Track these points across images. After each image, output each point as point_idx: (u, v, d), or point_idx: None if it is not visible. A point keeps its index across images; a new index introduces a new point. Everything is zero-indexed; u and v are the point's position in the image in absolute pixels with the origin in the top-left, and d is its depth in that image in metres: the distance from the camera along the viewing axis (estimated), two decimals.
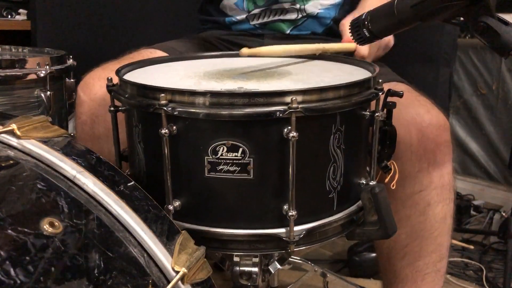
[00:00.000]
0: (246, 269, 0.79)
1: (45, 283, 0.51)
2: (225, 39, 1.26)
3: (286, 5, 1.20)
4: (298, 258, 1.46)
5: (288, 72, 0.88)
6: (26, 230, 0.54)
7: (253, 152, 0.68)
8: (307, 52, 0.99)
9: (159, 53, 1.13)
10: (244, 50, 0.93)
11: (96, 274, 0.55)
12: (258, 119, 0.67)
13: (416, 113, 0.97)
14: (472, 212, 2.21)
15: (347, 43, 1.04)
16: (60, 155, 0.66)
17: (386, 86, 0.79)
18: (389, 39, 1.11)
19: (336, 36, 1.28)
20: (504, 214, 2.07)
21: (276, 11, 1.21)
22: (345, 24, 1.10)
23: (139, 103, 0.72)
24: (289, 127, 0.66)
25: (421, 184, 1.00)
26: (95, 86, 1.02)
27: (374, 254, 1.60)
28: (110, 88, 0.79)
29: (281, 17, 1.21)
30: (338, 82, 0.75)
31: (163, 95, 0.67)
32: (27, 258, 0.51)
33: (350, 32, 0.88)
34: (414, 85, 1.07)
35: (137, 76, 0.85)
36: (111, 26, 1.90)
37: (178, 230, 0.66)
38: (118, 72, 0.81)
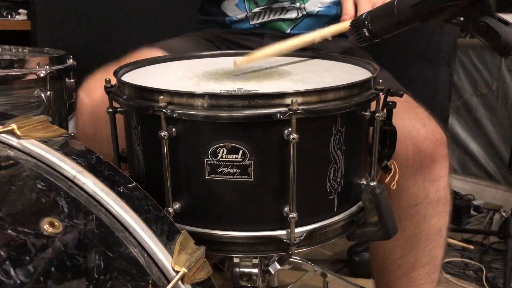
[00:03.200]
0: (246, 270, 0.79)
1: (45, 283, 0.51)
2: (225, 38, 1.25)
3: (286, 4, 1.19)
4: (298, 258, 1.46)
5: (288, 72, 0.88)
6: (26, 230, 0.54)
7: (253, 154, 0.67)
8: (304, 45, 0.95)
9: (160, 53, 1.13)
10: (238, 61, 0.86)
11: (96, 274, 0.55)
12: (258, 121, 0.67)
13: (412, 126, 0.96)
14: (472, 212, 2.22)
15: (343, 23, 0.97)
16: (60, 155, 0.66)
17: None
18: None
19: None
20: (504, 214, 2.07)
21: (276, 10, 1.21)
22: None
23: (138, 105, 0.72)
24: (290, 129, 0.66)
25: (417, 198, 1.00)
26: (96, 88, 1.02)
27: None
28: (109, 89, 0.79)
29: (281, 16, 1.21)
30: (338, 82, 0.74)
31: (162, 97, 0.67)
32: (27, 258, 0.51)
33: (350, 32, 0.88)
34: (414, 87, 1.07)
35: (136, 77, 0.84)
36: (111, 26, 1.90)
37: (178, 230, 0.66)
38: (116, 73, 0.81)
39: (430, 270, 1.05)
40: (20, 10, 2.09)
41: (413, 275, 1.05)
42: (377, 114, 0.77)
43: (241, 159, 0.67)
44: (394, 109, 0.81)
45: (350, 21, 0.88)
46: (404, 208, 1.00)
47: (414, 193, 0.99)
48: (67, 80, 1.35)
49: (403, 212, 1.01)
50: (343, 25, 0.96)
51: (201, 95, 0.67)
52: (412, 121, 0.97)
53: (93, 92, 1.03)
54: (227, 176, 0.68)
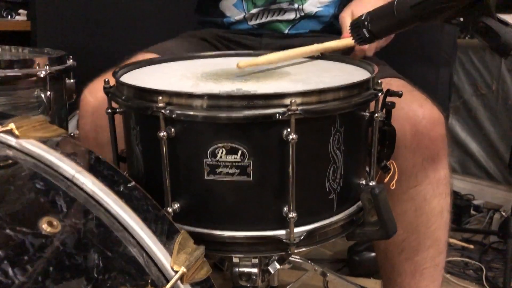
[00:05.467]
0: (246, 270, 0.79)
1: (43, 283, 0.51)
2: (224, 36, 1.25)
3: (284, 5, 1.19)
4: (298, 257, 1.46)
5: (287, 73, 0.88)
6: (24, 229, 0.54)
7: (252, 155, 0.67)
8: (305, 55, 0.99)
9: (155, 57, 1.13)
10: (241, 64, 0.88)
11: (95, 274, 0.55)
12: (257, 122, 0.67)
13: (409, 108, 0.96)
14: (472, 212, 2.21)
15: (346, 39, 1.01)
16: (59, 155, 0.66)
17: (382, 82, 0.79)
18: None
19: (335, 32, 1.28)
20: (504, 213, 2.06)
21: (274, 11, 1.21)
22: (345, 17, 1.08)
23: (137, 106, 0.72)
24: (289, 129, 0.66)
25: (416, 179, 1.00)
26: (101, 90, 1.03)
27: (374, 254, 1.60)
28: (107, 90, 0.79)
29: (279, 18, 1.21)
30: (337, 83, 0.75)
31: (160, 97, 0.67)
32: (26, 257, 0.51)
33: (350, 32, 0.88)
34: (410, 81, 1.07)
35: (135, 78, 0.84)
36: (111, 26, 1.90)
37: (177, 230, 0.66)
38: (115, 74, 0.81)
39: (434, 253, 1.04)
40: (20, 10, 2.10)
41: (417, 259, 1.04)
42: (376, 115, 0.78)
43: (240, 160, 0.67)
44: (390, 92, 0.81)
45: (351, 38, 0.89)
46: (405, 190, 1.00)
47: (414, 174, 0.99)
48: (67, 80, 1.36)
49: (403, 194, 1.00)
50: (345, 42, 1.00)
51: (200, 96, 0.67)
52: (409, 103, 0.97)
53: (97, 93, 1.03)
54: (226, 177, 0.68)
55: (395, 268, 1.07)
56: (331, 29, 1.26)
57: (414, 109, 0.96)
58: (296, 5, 1.19)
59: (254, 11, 1.21)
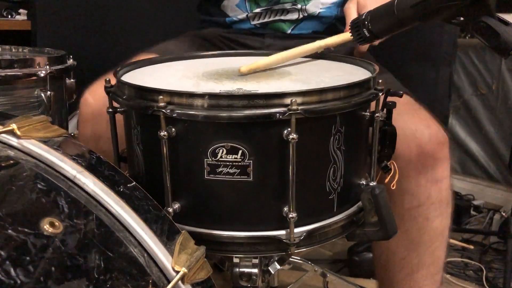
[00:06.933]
0: (246, 270, 0.79)
1: (45, 283, 0.51)
2: (226, 36, 1.26)
3: (287, 6, 1.20)
4: (298, 258, 1.46)
5: (288, 72, 0.88)
6: (26, 230, 0.54)
7: (253, 154, 0.67)
8: (308, 53, 0.98)
9: None
10: (243, 68, 0.87)
11: (96, 274, 0.55)
12: (258, 121, 0.67)
13: (416, 128, 0.97)
14: (472, 212, 2.22)
15: (347, 33, 0.98)
16: (60, 155, 0.66)
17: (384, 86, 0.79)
18: None
19: (339, 33, 1.28)
20: (504, 214, 2.07)
21: (277, 11, 1.21)
22: (351, 8, 1.07)
23: (138, 105, 0.72)
24: (289, 129, 0.66)
25: (419, 199, 1.00)
26: (101, 91, 1.03)
27: None
28: (108, 89, 0.79)
29: (282, 17, 1.21)
30: (338, 82, 0.74)
31: (161, 97, 0.67)
32: (28, 258, 0.51)
33: (350, 32, 0.88)
34: (414, 87, 1.07)
35: (136, 77, 0.84)
36: (111, 26, 1.90)
37: (178, 230, 0.66)
38: (116, 73, 0.81)
39: (434, 271, 1.05)
40: (20, 10, 2.09)
41: (417, 276, 1.05)
42: (377, 114, 0.77)
43: (240, 159, 0.67)
44: (397, 111, 0.81)
45: (351, 36, 0.88)
46: (407, 210, 1.01)
47: (417, 194, 1.00)
48: (67, 80, 1.36)
49: (406, 214, 1.01)
50: (347, 36, 0.97)
51: (201, 95, 0.67)
52: (416, 123, 0.97)
53: (98, 94, 1.03)
54: (226, 176, 0.68)
55: (394, 285, 1.08)
56: (334, 30, 1.26)
57: (421, 130, 0.97)
58: (299, 6, 1.20)
59: (257, 10, 1.21)
